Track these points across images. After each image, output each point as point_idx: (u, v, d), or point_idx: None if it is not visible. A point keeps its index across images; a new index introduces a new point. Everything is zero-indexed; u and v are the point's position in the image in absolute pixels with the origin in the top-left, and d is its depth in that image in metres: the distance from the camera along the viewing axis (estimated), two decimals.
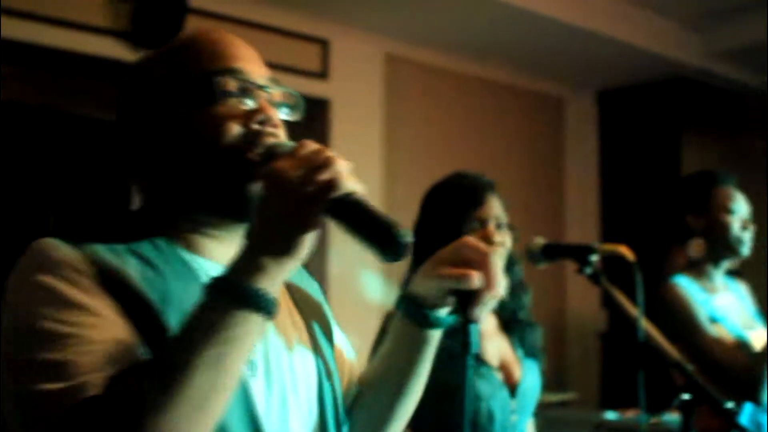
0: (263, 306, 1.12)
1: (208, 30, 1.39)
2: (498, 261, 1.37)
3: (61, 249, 1.20)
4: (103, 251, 1.22)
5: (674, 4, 5.37)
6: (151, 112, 1.33)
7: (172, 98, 1.31)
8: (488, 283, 1.32)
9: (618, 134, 6.29)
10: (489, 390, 2.34)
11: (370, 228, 1.13)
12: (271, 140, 1.28)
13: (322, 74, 4.81)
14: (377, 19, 4.89)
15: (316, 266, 4.35)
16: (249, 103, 1.31)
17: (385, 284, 4.49)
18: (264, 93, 1.33)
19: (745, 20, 5.53)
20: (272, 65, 4.69)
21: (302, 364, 1.37)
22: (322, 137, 4.76)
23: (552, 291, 5.87)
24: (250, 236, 1.15)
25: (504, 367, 2.44)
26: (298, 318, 1.44)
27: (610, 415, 4.43)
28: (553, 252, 2.32)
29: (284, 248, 1.13)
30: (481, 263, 1.33)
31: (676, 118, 6.00)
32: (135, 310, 1.18)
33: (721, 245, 2.99)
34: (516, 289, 2.54)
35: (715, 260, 3.02)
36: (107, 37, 4.02)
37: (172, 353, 1.09)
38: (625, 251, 2.18)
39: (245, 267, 1.13)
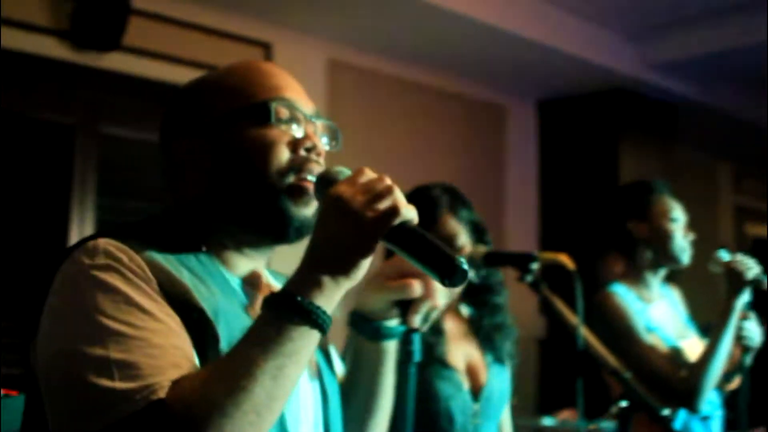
0: (321, 322, 1.18)
1: (262, 61, 1.50)
2: None
3: (125, 251, 1.24)
4: (161, 260, 1.27)
5: (614, 16, 5.46)
6: (203, 131, 1.39)
7: (227, 119, 1.38)
8: (427, 293, 1.39)
9: (557, 143, 6.37)
10: (449, 391, 2.36)
11: (432, 256, 1.20)
12: (319, 169, 1.37)
13: None
14: (320, 23, 4.89)
15: None
16: (297, 131, 1.39)
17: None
18: (311, 123, 1.42)
19: (682, 33, 5.65)
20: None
21: (308, 388, 1.42)
22: None
23: None
24: (310, 255, 1.21)
25: (470, 372, 2.45)
26: None
27: (547, 421, 4.47)
28: (495, 260, 2.34)
29: (343, 269, 1.20)
30: (421, 275, 1.39)
31: (614, 127, 6.09)
32: (191, 320, 1.23)
33: (663, 253, 3.03)
34: (487, 296, 2.54)
35: (655, 268, 3.06)
36: (49, 36, 3.97)
37: (234, 362, 1.14)
38: (565, 260, 2.22)
39: (305, 284, 1.19)
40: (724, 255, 2.91)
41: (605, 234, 3.22)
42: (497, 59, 5.53)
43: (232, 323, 1.27)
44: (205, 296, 1.27)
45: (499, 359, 2.51)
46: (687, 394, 2.79)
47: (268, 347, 1.14)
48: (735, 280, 2.85)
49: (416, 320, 1.41)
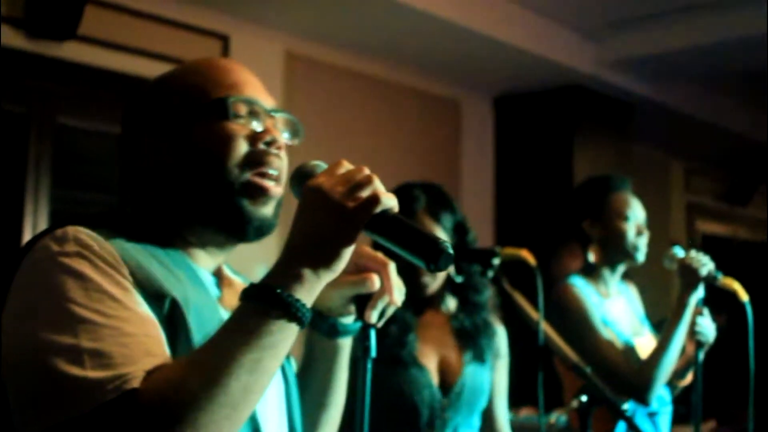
0: (300, 315, 1.16)
1: (222, 58, 1.52)
2: (393, 269, 1.42)
3: (95, 239, 1.23)
4: (132, 249, 1.27)
5: (571, 13, 5.50)
6: (163, 128, 1.39)
7: (187, 116, 1.38)
8: (386, 289, 1.40)
9: (513, 139, 6.41)
10: (415, 387, 2.37)
11: (415, 242, 1.18)
12: (279, 163, 1.38)
13: None
14: (278, 16, 4.87)
15: None
16: (257, 126, 1.38)
17: None
18: (271, 118, 1.41)
19: (637, 31, 5.71)
20: (171, 59, 4.62)
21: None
22: None
23: None
24: (291, 247, 1.20)
25: (443, 368, 2.45)
26: None
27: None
28: (456, 255, 2.35)
29: (324, 260, 1.18)
30: (379, 271, 1.40)
31: (569, 124, 6.15)
32: (163, 308, 1.23)
33: (616, 251, 3.06)
34: (469, 294, 2.54)
35: (611, 265, 3.09)
36: (3, 25, 3.90)
37: (211, 354, 1.13)
38: (527, 255, 2.23)
39: (285, 276, 1.17)
40: (679, 251, 2.94)
41: (562, 231, 3.24)
42: (453, 54, 5.54)
43: (203, 313, 1.27)
44: (175, 286, 1.27)
45: (478, 358, 2.51)
46: (639, 388, 2.83)
47: (245, 340, 1.13)
48: (689, 276, 2.88)
49: (373, 316, 1.41)
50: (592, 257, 3.07)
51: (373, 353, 1.37)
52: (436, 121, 6.15)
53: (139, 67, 4.22)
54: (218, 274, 1.44)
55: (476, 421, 2.52)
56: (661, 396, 3.00)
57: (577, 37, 5.80)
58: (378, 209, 1.19)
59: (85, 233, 1.23)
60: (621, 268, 3.13)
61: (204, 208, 1.36)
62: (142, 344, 1.14)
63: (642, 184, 6.59)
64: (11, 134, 3.99)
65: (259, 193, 1.36)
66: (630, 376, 2.85)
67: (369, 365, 1.36)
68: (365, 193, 1.19)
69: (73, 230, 1.24)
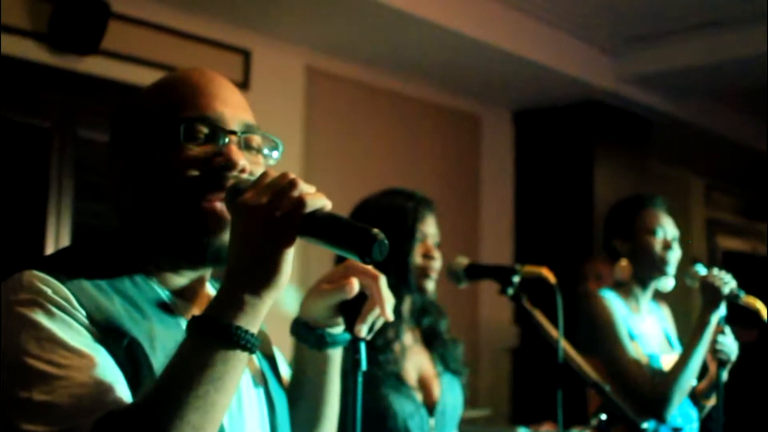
0: (244, 343, 1.12)
1: (197, 69, 1.40)
2: (384, 283, 1.40)
3: (49, 284, 1.19)
4: (91, 288, 1.22)
5: (590, 29, 5.51)
6: (133, 146, 1.35)
7: (151, 136, 1.32)
8: (377, 303, 1.39)
9: (533, 153, 6.41)
10: (408, 409, 2.34)
11: (346, 235, 1.14)
12: (231, 181, 1.28)
13: (243, 85, 4.79)
14: (299, 31, 4.90)
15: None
16: (212, 149, 1.30)
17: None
18: (235, 137, 1.32)
19: (657, 47, 5.71)
20: None
21: (252, 392, 1.39)
22: None
23: (464, 306, 5.93)
24: (228, 271, 1.15)
25: (423, 385, 2.44)
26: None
27: (522, 431, 4.48)
28: (476, 272, 2.35)
29: (262, 280, 1.13)
30: (369, 285, 1.39)
31: (589, 139, 6.15)
32: (122, 349, 1.19)
33: (645, 266, 3.07)
34: (433, 305, 2.54)
35: (643, 282, 3.09)
36: (27, 39, 3.94)
37: (159, 394, 1.09)
38: (546, 273, 2.23)
39: (224, 304, 1.13)
40: (701, 269, 2.93)
41: (586, 248, 3.26)
42: (473, 70, 5.56)
43: (171, 349, 1.19)
44: (139, 322, 1.23)
45: (449, 369, 2.51)
46: (656, 403, 2.83)
47: (189, 377, 1.09)
48: (710, 294, 2.87)
49: (363, 329, 1.39)
50: (621, 274, 3.08)
51: (364, 366, 1.35)
52: (456, 136, 6.16)
53: None
54: (195, 296, 1.39)
55: None
56: (687, 413, 2.99)
57: (596, 52, 5.80)
58: (305, 211, 1.14)
59: (39, 278, 1.19)
60: (652, 286, 3.12)
61: (161, 235, 1.32)
62: (93, 393, 1.11)
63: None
64: (33, 148, 4.02)
65: (213, 221, 1.29)
66: (648, 392, 2.85)
67: (360, 378, 1.34)
68: (290, 198, 1.14)
69: (28, 276, 1.20)
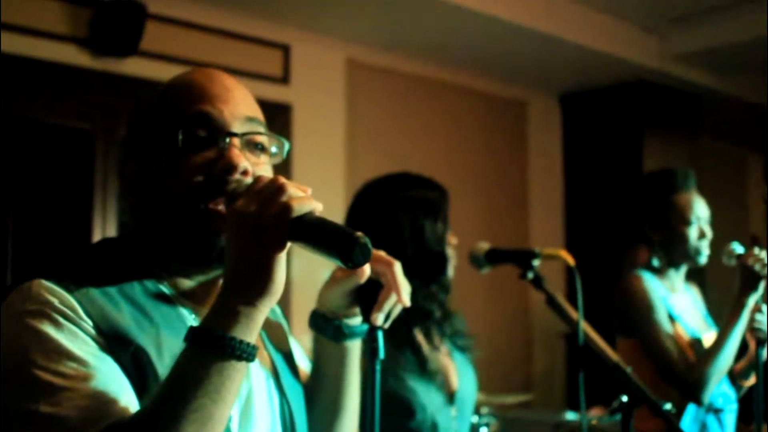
0: (239, 353, 1.12)
1: (202, 69, 1.39)
2: (399, 269, 1.40)
3: (56, 294, 1.20)
4: (98, 296, 1.23)
5: (634, 8, 5.43)
6: (141, 149, 1.35)
7: (156, 140, 1.32)
8: (393, 289, 1.40)
9: (581, 136, 6.36)
10: (437, 402, 2.33)
11: (329, 239, 1.14)
12: (233, 185, 1.28)
13: (283, 79, 4.83)
14: (338, 24, 4.91)
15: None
16: (213, 152, 1.30)
17: None
18: (236, 139, 1.31)
19: (703, 24, 5.61)
20: (234, 71, 4.70)
21: (263, 389, 1.39)
22: None
23: (516, 293, 5.90)
24: (223, 282, 1.16)
25: (442, 374, 2.42)
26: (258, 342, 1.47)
27: (571, 416, 4.47)
28: (496, 257, 2.34)
29: (256, 288, 1.13)
30: (384, 272, 1.40)
31: (638, 120, 6.07)
32: (129, 358, 1.19)
33: (678, 254, 3.03)
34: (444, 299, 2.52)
35: (676, 265, 3.06)
36: (68, 44, 4.02)
37: (156, 407, 1.10)
38: (565, 255, 2.21)
39: (220, 314, 1.13)
40: (738, 248, 2.88)
41: (628, 233, 3.22)
42: (517, 55, 5.53)
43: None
44: (148, 330, 1.24)
45: (458, 347, 2.49)
46: (693, 385, 2.79)
47: (185, 388, 1.10)
48: (748, 274, 2.82)
49: (379, 318, 1.40)
50: (655, 260, 3.05)
51: (381, 354, 1.36)
52: (502, 124, 6.13)
53: None
54: (205, 298, 1.37)
55: (469, 426, 2.50)
56: (726, 393, 2.95)
57: (640, 32, 5.73)
58: (292, 216, 1.13)
59: (46, 288, 1.20)
60: (684, 268, 3.09)
61: (168, 239, 1.31)
62: (99, 404, 1.12)
63: (716, 178, 6.49)
64: (77, 151, 4.11)
65: (216, 220, 1.28)
66: (684, 373, 2.81)
67: (378, 367, 1.35)
68: (277, 204, 1.14)
69: (36, 286, 1.21)
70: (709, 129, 6.65)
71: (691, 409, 2.86)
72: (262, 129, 1.36)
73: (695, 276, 3.27)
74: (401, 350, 2.32)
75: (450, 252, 2.42)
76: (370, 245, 1.13)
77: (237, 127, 1.32)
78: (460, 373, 2.44)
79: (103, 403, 1.13)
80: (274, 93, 4.77)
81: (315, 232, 1.15)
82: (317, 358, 1.54)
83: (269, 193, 1.15)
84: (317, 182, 4.88)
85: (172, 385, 1.11)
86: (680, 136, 6.28)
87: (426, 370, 2.33)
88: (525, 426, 4.61)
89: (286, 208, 1.13)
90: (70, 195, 4.08)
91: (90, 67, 4.09)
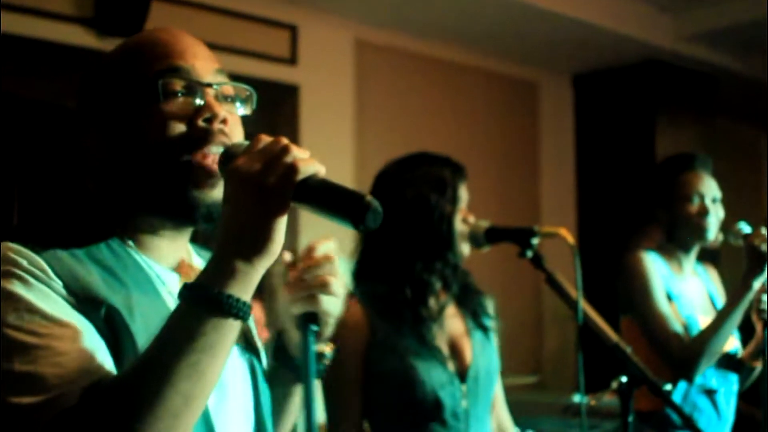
0: (236, 311, 1.11)
1: (160, 29, 1.40)
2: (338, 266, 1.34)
3: (27, 256, 1.19)
4: (66, 258, 1.22)
5: None
6: (104, 110, 1.34)
7: (123, 97, 1.32)
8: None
9: (593, 117, 6.30)
10: (439, 378, 2.32)
11: (339, 202, 1.13)
12: (223, 140, 1.29)
13: (291, 60, 4.80)
14: (346, 4, 4.87)
15: (287, 244, 4.32)
16: (196, 101, 1.31)
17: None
18: (211, 90, 1.33)
19: (718, 2, 5.54)
20: (241, 51, 4.68)
21: (237, 364, 1.39)
22: (292, 123, 4.75)
23: (528, 274, 5.86)
24: (220, 238, 1.14)
25: (454, 350, 2.41)
26: None
27: (577, 398, 4.44)
28: (495, 235, 2.33)
29: (255, 246, 1.12)
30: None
31: (651, 100, 6.01)
32: (101, 318, 1.19)
33: (683, 233, 3.03)
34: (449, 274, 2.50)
35: (684, 247, 3.05)
36: (73, 24, 4.01)
37: (148, 363, 1.10)
38: (565, 234, 2.20)
39: (217, 272, 1.12)
40: (744, 227, 2.85)
41: (639, 215, 3.23)
42: (529, 35, 5.47)
43: (150, 316, 1.22)
44: (117, 290, 1.23)
45: (480, 325, 2.48)
46: (684, 362, 2.79)
47: (180, 345, 1.09)
48: (754, 256, 2.79)
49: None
50: (662, 240, 3.05)
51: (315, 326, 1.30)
52: (513, 104, 6.08)
53: None
54: (175, 261, 1.39)
55: (487, 406, 2.47)
56: (722, 375, 2.93)
57: (653, 11, 5.66)
58: (299, 178, 1.12)
59: (13, 249, 1.20)
60: (695, 249, 3.07)
61: (147, 196, 1.31)
62: (76, 361, 1.12)
63: (730, 160, 6.42)
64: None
65: (203, 175, 1.29)
66: (676, 351, 2.81)
67: (311, 336, 1.28)
68: (283, 164, 1.12)
69: (3, 248, 1.20)
70: (724, 110, 6.58)
71: (680, 388, 2.84)
72: (228, 80, 1.37)
73: (710, 258, 3.25)
74: (400, 326, 2.32)
75: (465, 229, 2.41)
76: (380, 209, 1.11)
77: (209, 79, 1.34)
78: (477, 350, 2.42)
79: (83, 360, 1.12)
80: (282, 74, 4.74)
81: (322, 195, 1.13)
82: (270, 374, 1.51)
83: (273, 153, 1.13)
84: (325, 163, 4.82)
85: (166, 341, 1.10)
86: (694, 116, 6.22)
87: (426, 345, 2.32)
88: (534, 407, 4.59)
89: (292, 168, 1.12)
90: (74, 174, 4.07)
91: (95, 47, 4.07)
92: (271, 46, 4.71)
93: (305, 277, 1.32)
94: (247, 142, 1.23)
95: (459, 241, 2.41)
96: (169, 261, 1.37)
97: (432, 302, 2.41)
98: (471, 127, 5.73)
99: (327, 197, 1.13)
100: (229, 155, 1.22)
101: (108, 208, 1.35)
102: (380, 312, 2.31)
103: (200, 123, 1.30)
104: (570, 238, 2.16)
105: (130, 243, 1.33)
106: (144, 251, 1.34)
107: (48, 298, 1.16)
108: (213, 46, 4.54)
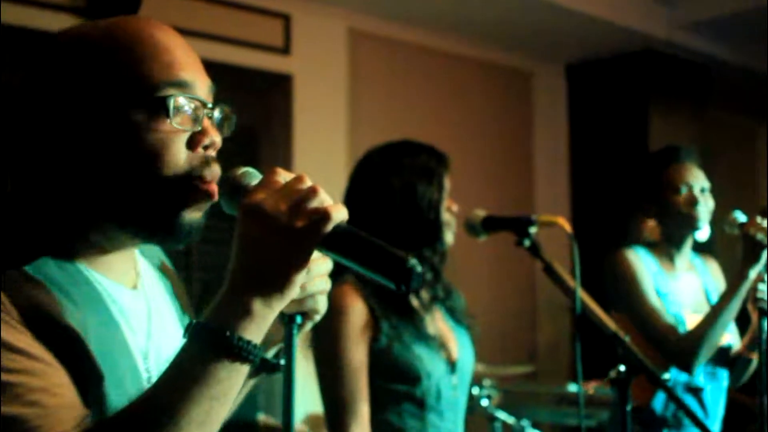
0: (253, 357, 1.07)
1: (152, 24, 1.27)
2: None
3: None
4: (22, 281, 1.11)
5: None
6: (83, 107, 1.19)
7: (116, 100, 1.18)
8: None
9: (587, 107, 6.30)
10: (440, 369, 2.32)
11: (381, 262, 1.07)
12: (216, 165, 1.22)
13: (284, 50, 4.77)
14: None
15: None
16: (195, 124, 1.21)
17: None
18: (209, 111, 1.24)
19: None
20: (234, 41, 4.65)
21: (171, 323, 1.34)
22: (285, 113, 4.74)
23: (522, 264, 5.86)
24: (237, 277, 1.08)
25: (443, 344, 2.41)
26: (173, 303, 1.40)
27: (573, 388, 4.44)
28: (493, 224, 2.31)
29: (277, 289, 1.07)
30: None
31: (644, 90, 6.01)
32: (59, 342, 1.09)
33: (674, 225, 3.00)
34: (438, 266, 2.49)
35: (676, 242, 3.02)
36: (66, 14, 3.98)
37: (159, 408, 1.04)
38: (563, 223, 2.18)
39: (233, 313, 1.06)
40: (740, 216, 2.83)
41: (630, 207, 3.21)
42: (522, 24, 5.46)
43: (105, 338, 1.14)
44: (73, 313, 1.12)
45: (457, 321, 2.47)
46: (682, 353, 2.77)
47: (194, 391, 1.03)
48: (750, 245, 2.77)
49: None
50: (649, 235, 3.03)
51: (299, 319, 1.27)
52: (507, 94, 6.07)
53: (200, 50, 4.22)
54: (126, 274, 1.29)
55: (468, 396, 2.49)
56: (710, 372, 2.92)
57: (647, 0, 5.65)
58: (329, 226, 1.07)
59: None
60: (688, 243, 3.05)
61: (130, 212, 1.20)
62: (56, 397, 1.05)
63: (726, 151, 6.43)
64: None
65: (201, 200, 1.21)
66: (674, 343, 2.79)
67: (295, 331, 1.25)
68: (313, 209, 1.07)
69: None
70: (718, 100, 6.57)
71: (671, 376, 2.82)
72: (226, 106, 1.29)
73: (705, 250, 3.23)
74: (399, 316, 2.31)
75: (449, 218, 2.40)
76: (420, 268, 1.07)
77: (207, 97, 1.25)
78: (460, 343, 2.43)
79: (59, 397, 1.05)
80: (275, 63, 4.72)
81: (359, 250, 1.08)
82: None
83: (301, 195, 1.07)
84: (319, 153, 4.85)
85: (178, 385, 1.04)
86: (688, 106, 6.21)
87: (423, 334, 2.32)
88: (528, 398, 4.59)
89: (325, 215, 1.06)
90: None
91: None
92: (264, 36, 4.69)
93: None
94: (249, 170, 1.18)
95: (445, 230, 2.40)
96: (118, 274, 1.26)
97: (424, 293, 2.40)
98: (464, 117, 5.72)
99: (364, 253, 1.08)
100: (233, 184, 1.17)
101: (49, 218, 1.21)
102: (378, 300, 2.30)
103: (200, 150, 1.21)
104: (568, 227, 2.15)
105: (79, 259, 1.21)
106: (92, 265, 1.22)
107: (14, 330, 1.06)
108: (206, 36, 4.54)
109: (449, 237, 2.41)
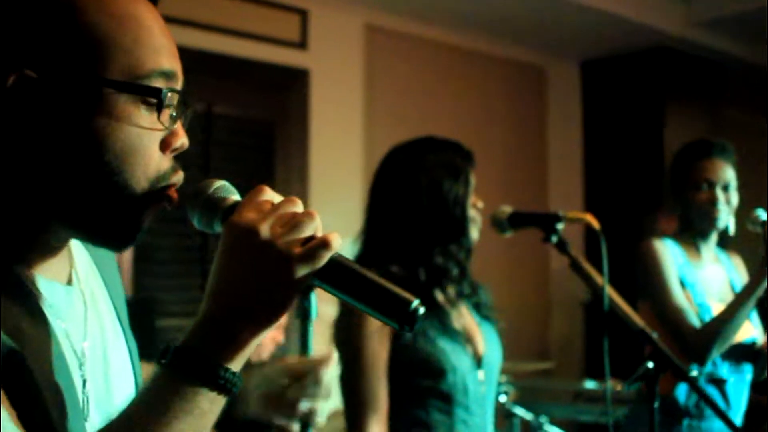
0: (236, 390, 0.99)
1: (140, 4, 1.06)
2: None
3: None
4: None
5: None
6: (44, 79, 0.99)
7: (87, 76, 1.00)
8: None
9: (601, 104, 6.29)
10: (466, 364, 2.32)
11: (383, 301, 1.00)
12: (180, 172, 1.08)
13: (301, 44, 4.78)
14: None
15: None
16: (170, 123, 1.06)
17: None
18: (184, 109, 1.08)
19: None
20: (251, 35, 4.66)
21: (117, 349, 1.22)
22: (302, 108, 4.74)
23: (536, 260, 5.87)
24: (223, 302, 0.99)
25: (469, 339, 2.41)
26: (108, 299, 1.25)
27: (590, 384, 4.44)
28: (520, 220, 2.31)
29: (266, 320, 0.99)
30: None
31: (659, 87, 5.99)
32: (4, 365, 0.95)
33: (696, 221, 3.02)
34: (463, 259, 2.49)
35: (700, 234, 3.04)
36: None
37: None
38: (591, 219, 2.18)
39: (218, 340, 0.98)
40: (762, 214, 2.83)
41: (654, 200, 3.24)
42: (538, 20, 5.45)
43: (39, 347, 1.00)
44: (6, 321, 0.97)
45: (485, 316, 2.47)
46: (695, 346, 2.79)
47: (177, 423, 0.95)
48: None
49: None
50: (678, 228, 3.05)
51: (314, 315, 1.27)
52: (522, 89, 6.07)
53: (217, 45, 4.26)
54: (64, 275, 1.13)
55: (495, 391, 2.49)
56: (734, 364, 2.92)
57: None
58: (328, 256, 0.98)
59: None
60: (713, 236, 3.06)
61: (88, 215, 1.04)
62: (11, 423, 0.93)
63: (739, 148, 6.38)
64: None
65: (166, 206, 1.08)
66: (688, 335, 2.80)
67: (310, 328, 1.26)
68: (311, 237, 0.98)
69: None
70: (733, 98, 6.55)
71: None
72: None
73: (730, 244, 3.24)
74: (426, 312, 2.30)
75: (474, 214, 2.40)
76: (423, 308, 1.00)
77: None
78: (487, 338, 2.42)
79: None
80: (292, 58, 4.72)
81: (358, 284, 1.00)
82: None
83: (296, 220, 0.98)
84: (335, 148, 4.85)
85: (152, 418, 0.95)
86: (702, 104, 6.20)
87: (448, 329, 2.31)
88: (544, 394, 4.59)
89: (325, 243, 0.98)
90: None
91: None
92: (281, 31, 4.69)
93: (290, 397, 1.23)
94: (224, 184, 1.07)
95: (471, 226, 2.40)
96: (53, 271, 1.10)
97: (450, 288, 2.39)
98: (479, 112, 5.71)
99: (365, 291, 1.00)
100: (212, 201, 1.05)
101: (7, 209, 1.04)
102: None
103: (169, 154, 1.07)
104: (596, 224, 2.14)
105: (16, 257, 1.05)
106: (26, 264, 1.06)
107: None
108: (224, 30, 4.55)
109: (475, 233, 2.41)
